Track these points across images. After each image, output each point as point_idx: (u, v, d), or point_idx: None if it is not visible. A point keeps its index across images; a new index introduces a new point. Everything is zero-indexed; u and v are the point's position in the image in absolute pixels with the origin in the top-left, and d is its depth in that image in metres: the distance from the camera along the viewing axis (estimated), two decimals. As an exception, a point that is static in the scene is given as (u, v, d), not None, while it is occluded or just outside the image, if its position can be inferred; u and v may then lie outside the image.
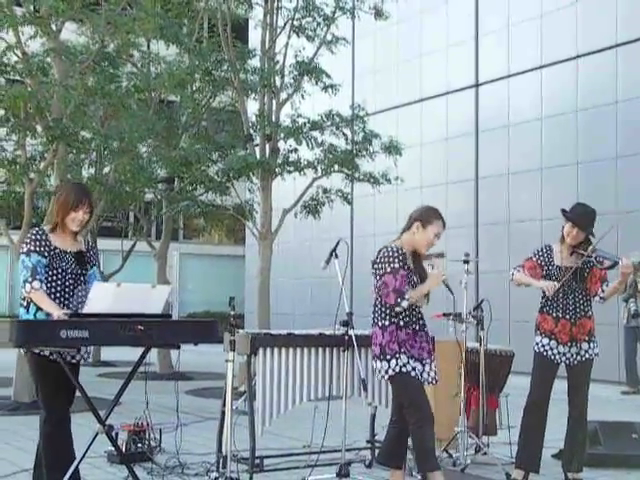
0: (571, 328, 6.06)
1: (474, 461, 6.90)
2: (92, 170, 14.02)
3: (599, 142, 15.67)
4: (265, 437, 6.14)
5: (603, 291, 6.11)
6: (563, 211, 6.18)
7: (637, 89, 15.13)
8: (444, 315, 7.21)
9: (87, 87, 11.15)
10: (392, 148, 13.34)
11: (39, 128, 10.95)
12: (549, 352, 6.09)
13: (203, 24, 16.11)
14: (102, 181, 12.70)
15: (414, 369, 5.34)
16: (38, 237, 4.95)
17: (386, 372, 5.35)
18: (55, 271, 4.94)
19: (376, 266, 5.37)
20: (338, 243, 6.10)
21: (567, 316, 6.08)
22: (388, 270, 5.26)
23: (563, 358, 6.09)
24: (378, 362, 5.38)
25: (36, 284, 4.81)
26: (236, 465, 5.84)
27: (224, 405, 5.87)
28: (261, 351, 5.90)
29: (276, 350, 5.97)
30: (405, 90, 19.98)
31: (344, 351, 5.89)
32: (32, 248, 4.89)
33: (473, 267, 16.12)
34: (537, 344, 6.16)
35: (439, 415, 7.42)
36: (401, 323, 5.35)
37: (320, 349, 6.11)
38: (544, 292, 6.11)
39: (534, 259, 6.19)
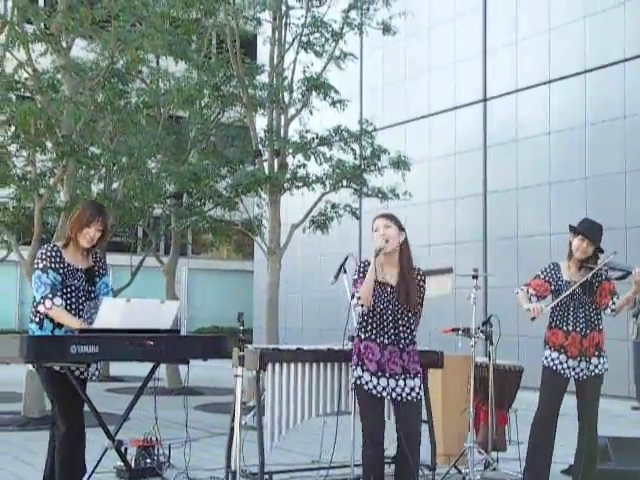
0: (581, 341, 6.03)
1: (483, 477, 6.88)
2: (101, 186, 14.10)
3: (607, 156, 15.66)
4: (274, 452, 6.13)
5: (614, 303, 6.07)
6: (571, 227, 6.19)
7: (645, 103, 15.14)
8: (453, 330, 7.21)
9: (97, 103, 11.23)
10: (400, 163, 13.37)
11: (49, 144, 11.02)
12: (559, 367, 6.06)
13: (212, 40, 16.19)
14: (111, 197, 12.76)
15: (367, 383, 5.27)
16: (53, 254, 4.96)
17: (353, 381, 5.40)
18: (68, 288, 4.97)
19: None
20: (347, 258, 6.11)
21: (577, 329, 6.05)
22: (351, 282, 5.38)
23: (572, 373, 6.06)
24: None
25: (57, 300, 4.84)
26: (245, 480, 5.84)
27: (233, 420, 5.86)
28: (270, 366, 5.90)
29: (285, 365, 5.97)
30: (413, 105, 20.02)
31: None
32: (48, 265, 4.91)
33: (482, 282, 16.10)
34: (546, 358, 6.12)
35: (448, 430, 7.44)
36: (362, 336, 5.32)
37: (329, 364, 6.11)
38: (552, 308, 6.10)
39: (542, 276, 6.16)
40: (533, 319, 5.96)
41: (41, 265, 4.92)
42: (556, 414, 6.06)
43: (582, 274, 6.09)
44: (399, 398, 5.30)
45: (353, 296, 5.26)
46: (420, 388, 5.39)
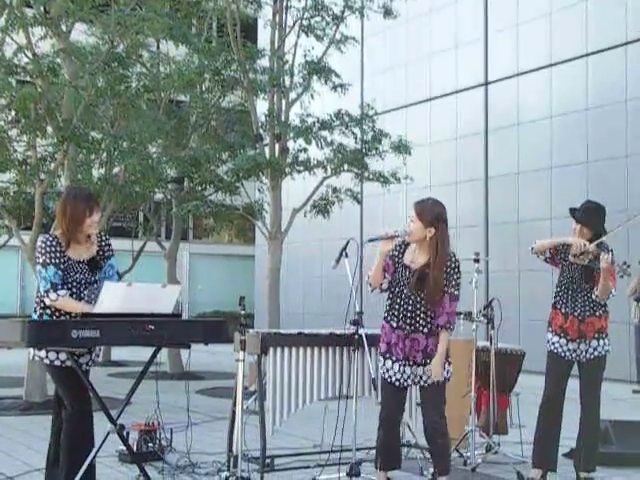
0: (579, 325, 6.05)
1: (485, 460, 6.89)
2: (102, 170, 14.05)
3: (609, 140, 15.62)
4: (276, 436, 6.14)
5: (597, 289, 6.07)
6: (572, 210, 6.18)
7: (647, 87, 15.09)
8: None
9: (97, 87, 11.17)
10: (401, 147, 13.33)
11: (49, 129, 10.98)
12: (559, 349, 6.10)
13: (212, 24, 16.11)
14: (112, 181, 12.72)
15: (387, 371, 5.36)
16: (52, 248, 4.91)
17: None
18: (70, 284, 4.94)
19: None
20: (348, 242, 6.10)
21: (575, 313, 6.07)
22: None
23: (574, 354, 6.09)
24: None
25: (62, 292, 4.83)
26: (247, 464, 5.85)
27: (235, 404, 5.88)
28: (271, 351, 5.91)
29: (286, 350, 5.97)
30: (414, 89, 19.96)
31: (354, 350, 5.89)
32: (48, 260, 4.87)
33: (483, 266, 16.10)
34: (548, 342, 6.18)
35: (449, 414, 7.43)
36: (384, 316, 5.41)
37: (330, 348, 6.12)
38: (558, 283, 6.09)
39: (555, 244, 6.20)
40: (577, 256, 5.97)
41: (41, 260, 4.89)
42: (561, 396, 6.09)
43: (583, 257, 6.07)
44: (402, 385, 5.33)
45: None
46: (416, 376, 5.33)
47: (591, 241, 6.04)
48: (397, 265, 5.36)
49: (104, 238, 5.21)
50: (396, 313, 5.33)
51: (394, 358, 5.32)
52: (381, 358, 5.41)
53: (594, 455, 6.21)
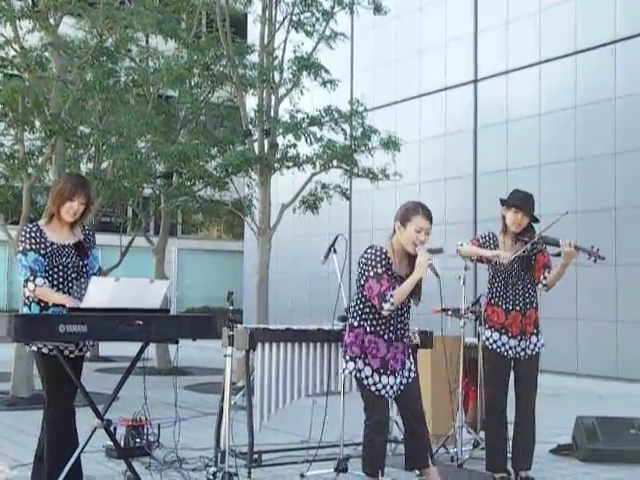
0: (522, 320, 5.96)
1: (472, 456, 6.90)
2: (90, 165, 13.99)
3: (598, 138, 15.66)
4: (263, 432, 6.14)
5: (545, 278, 5.98)
6: (502, 200, 6.15)
7: (636, 85, 15.13)
8: (442, 310, 7.21)
9: (85, 82, 11.13)
10: (391, 144, 13.33)
11: (37, 123, 10.93)
12: (501, 348, 5.97)
13: (201, 19, 16.08)
14: (100, 176, 12.67)
15: (367, 378, 5.09)
16: (33, 234, 4.86)
17: (350, 372, 5.16)
18: (56, 268, 4.88)
19: (361, 265, 5.15)
20: (337, 238, 6.10)
21: (517, 307, 5.96)
22: (371, 275, 5.03)
23: (513, 352, 5.98)
24: (344, 361, 5.23)
25: (39, 281, 4.77)
26: (234, 460, 5.84)
27: (222, 400, 5.87)
28: (259, 346, 5.91)
29: (274, 345, 5.97)
30: (404, 86, 19.96)
31: (342, 346, 5.89)
32: (28, 247, 4.82)
33: (471, 263, 16.13)
34: (487, 339, 6.03)
35: (437, 410, 7.46)
36: (368, 328, 5.11)
37: (318, 344, 6.12)
38: (493, 279, 6.02)
39: (481, 241, 6.07)
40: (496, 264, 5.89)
41: (20, 247, 4.84)
42: (505, 393, 5.99)
43: (518, 247, 5.98)
44: (400, 390, 5.21)
45: (384, 297, 4.94)
46: (414, 367, 5.29)
47: (527, 229, 5.99)
48: (392, 278, 5.08)
49: (87, 230, 5.17)
50: (392, 324, 5.14)
51: (389, 372, 5.12)
52: (375, 375, 5.09)
53: (532, 453, 6.09)
